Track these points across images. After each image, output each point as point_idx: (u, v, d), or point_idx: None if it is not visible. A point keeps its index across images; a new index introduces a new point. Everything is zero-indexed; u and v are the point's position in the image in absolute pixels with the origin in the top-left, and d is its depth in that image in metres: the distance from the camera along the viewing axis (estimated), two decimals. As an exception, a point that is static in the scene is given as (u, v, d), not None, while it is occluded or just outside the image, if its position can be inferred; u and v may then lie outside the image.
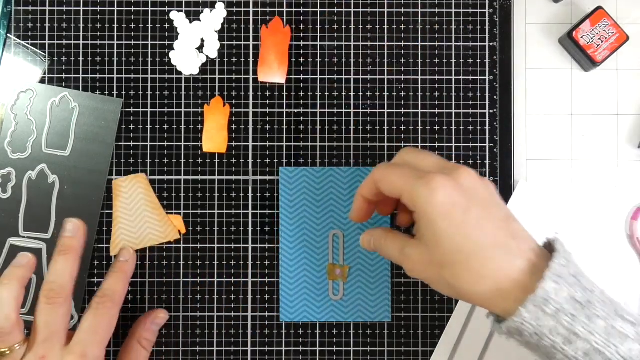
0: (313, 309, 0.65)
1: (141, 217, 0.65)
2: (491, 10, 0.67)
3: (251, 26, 0.67)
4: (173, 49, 0.66)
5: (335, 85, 0.66)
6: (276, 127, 0.66)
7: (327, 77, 0.66)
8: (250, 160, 0.66)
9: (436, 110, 0.66)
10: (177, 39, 0.66)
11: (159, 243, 0.65)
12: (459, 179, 0.48)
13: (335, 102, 0.66)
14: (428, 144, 0.66)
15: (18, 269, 0.55)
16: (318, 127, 0.66)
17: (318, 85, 0.66)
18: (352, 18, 0.67)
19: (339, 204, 0.65)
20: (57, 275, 0.55)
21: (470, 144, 0.66)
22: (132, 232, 0.65)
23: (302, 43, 0.66)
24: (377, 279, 0.65)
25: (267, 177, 0.66)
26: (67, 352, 0.53)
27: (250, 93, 0.66)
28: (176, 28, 0.66)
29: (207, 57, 0.66)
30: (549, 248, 0.49)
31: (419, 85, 0.66)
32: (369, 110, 0.66)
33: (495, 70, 0.66)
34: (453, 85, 0.66)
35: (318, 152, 0.66)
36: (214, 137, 0.66)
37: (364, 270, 0.65)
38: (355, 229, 0.65)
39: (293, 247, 0.65)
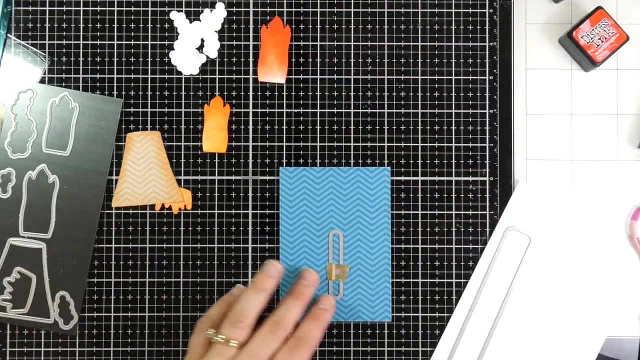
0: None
1: (149, 174, 0.65)
2: (491, 10, 0.67)
3: (251, 26, 0.67)
4: (173, 49, 0.66)
5: (335, 85, 0.66)
6: (276, 127, 0.66)
7: (327, 77, 0.66)
8: (250, 160, 0.66)
9: (436, 110, 0.66)
10: (177, 39, 0.66)
11: (161, 203, 0.65)
12: None
13: (335, 102, 0.66)
14: (428, 144, 0.66)
15: (270, 279, 0.59)
16: (318, 127, 0.66)
17: (318, 85, 0.66)
18: (352, 18, 0.67)
19: (339, 204, 0.65)
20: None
21: (470, 144, 0.66)
22: (137, 188, 0.65)
23: (302, 43, 0.66)
24: (377, 279, 0.65)
25: (267, 177, 0.66)
26: None
27: (250, 93, 0.66)
28: (176, 28, 0.66)
29: (207, 57, 0.66)
30: None
31: (419, 85, 0.66)
32: (369, 110, 0.66)
33: (495, 70, 0.66)
34: (453, 85, 0.66)
35: (318, 152, 0.66)
36: (214, 137, 0.66)
37: (364, 270, 0.65)
38: (356, 229, 0.65)
39: (293, 247, 0.65)
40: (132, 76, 0.66)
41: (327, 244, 0.65)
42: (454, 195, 0.66)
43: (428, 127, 0.66)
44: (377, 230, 0.65)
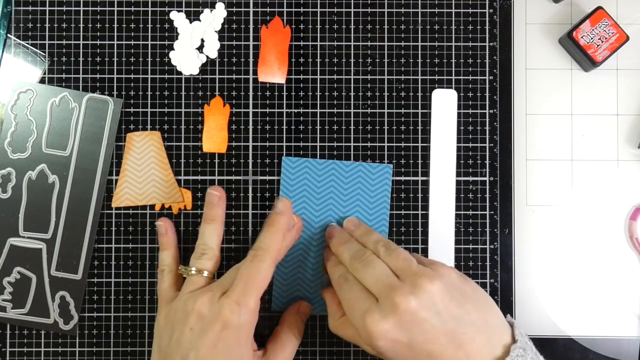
0: (305, 300, 0.65)
1: (149, 174, 0.65)
2: (491, 10, 0.67)
3: (251, 26, 0.67)
4: (173, 49, 0.66)
5: (335, 85, 0.66)
6: (276, 127, 0.66)
7: (327, 77, 0.66)
8: (250, 160, 0.66)
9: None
10: (177, 39, 0.66)
11: (161, 203, 0.65)
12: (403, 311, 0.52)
13: (335, 102, 0.66)
14: (428, 144, 0.66)
15: (216, 207, 0.62)
16: (318, 127, 0.66)
17: (318, 85, 0.66)
18: (352, 18, 0.67)
19: (339, 198, 0.65)
20: (264, 241, 0.59)
21: (470, 144, 0.66)
22: (137, 188, 0.65)
23: (302, 43, 0.66)
24: None
25: (267, 177, 0.66)
26: (224, 296, 0.56)
27: (250, 93, 0.66)
28: (176, 28, 0.66)
29: (207, 57, 0.66)
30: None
31: (419, 85, 0.66)
32: (369, 110, 0.66)
33: (495, 70, 0.66)
34: (453, 86, 0.66)
35: (318, 152, 0.66)
36: (214, 137, 0.66)
37: None
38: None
39: None
40: (132, 76, 0.66)
41: (323, 237, 0.65)
42: (454, 195, 0.66)
43: (428, 127, 0.66)
44: (375, 227, 0.65)
